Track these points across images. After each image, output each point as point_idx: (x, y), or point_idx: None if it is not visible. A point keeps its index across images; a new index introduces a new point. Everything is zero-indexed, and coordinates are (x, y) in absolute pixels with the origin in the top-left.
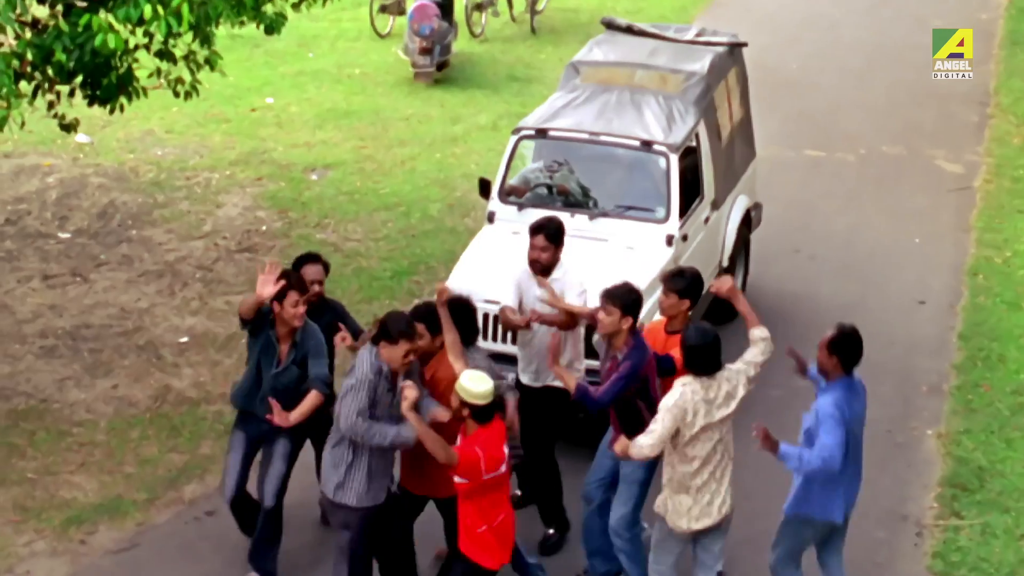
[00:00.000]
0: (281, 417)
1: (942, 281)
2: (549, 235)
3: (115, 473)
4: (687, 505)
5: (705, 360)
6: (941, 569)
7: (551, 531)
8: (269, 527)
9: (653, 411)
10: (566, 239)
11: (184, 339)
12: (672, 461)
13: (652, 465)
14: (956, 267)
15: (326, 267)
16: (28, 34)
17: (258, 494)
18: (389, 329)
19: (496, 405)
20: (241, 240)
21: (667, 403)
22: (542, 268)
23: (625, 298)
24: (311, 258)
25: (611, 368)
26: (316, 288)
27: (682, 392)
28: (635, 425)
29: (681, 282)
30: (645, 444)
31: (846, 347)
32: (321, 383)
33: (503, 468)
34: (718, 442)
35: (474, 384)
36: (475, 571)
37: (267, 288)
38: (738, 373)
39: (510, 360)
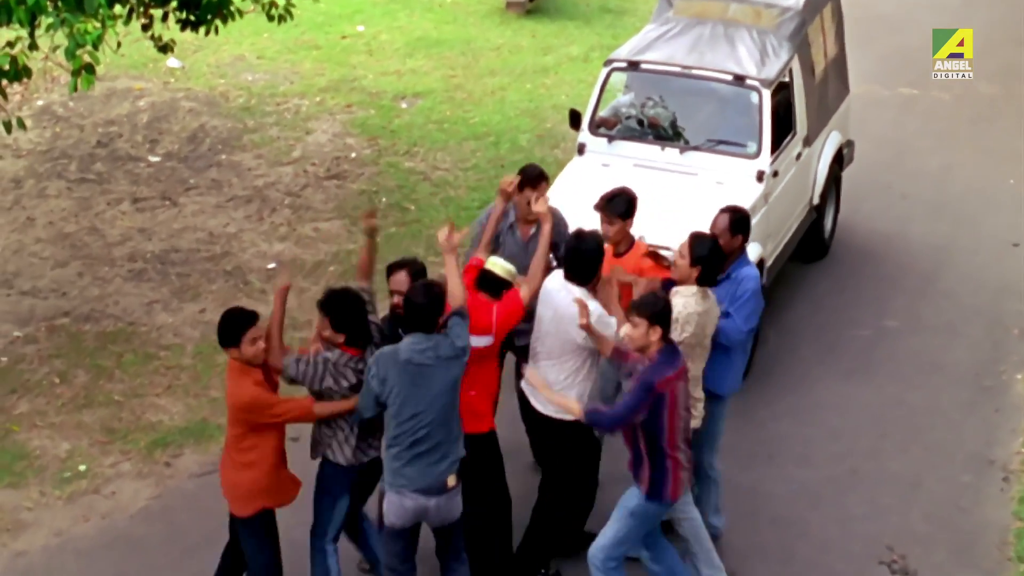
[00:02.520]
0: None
1: None
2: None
3: (200, 397)
4: None
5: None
6: None
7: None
8: None
9: (654, 448)
10: (657, 173)
11: (271, 265)
12: None
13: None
14: None
15: (416, 273)
16: None
17: None
18: None
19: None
20: (330, 167)
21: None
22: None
23: (651, 308)
24: (399, 265)
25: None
26: (396, 299)
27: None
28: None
29: (621, 205)
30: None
31: (746, 225)
32: None
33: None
34: None
35: (502, 260)
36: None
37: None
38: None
39: None
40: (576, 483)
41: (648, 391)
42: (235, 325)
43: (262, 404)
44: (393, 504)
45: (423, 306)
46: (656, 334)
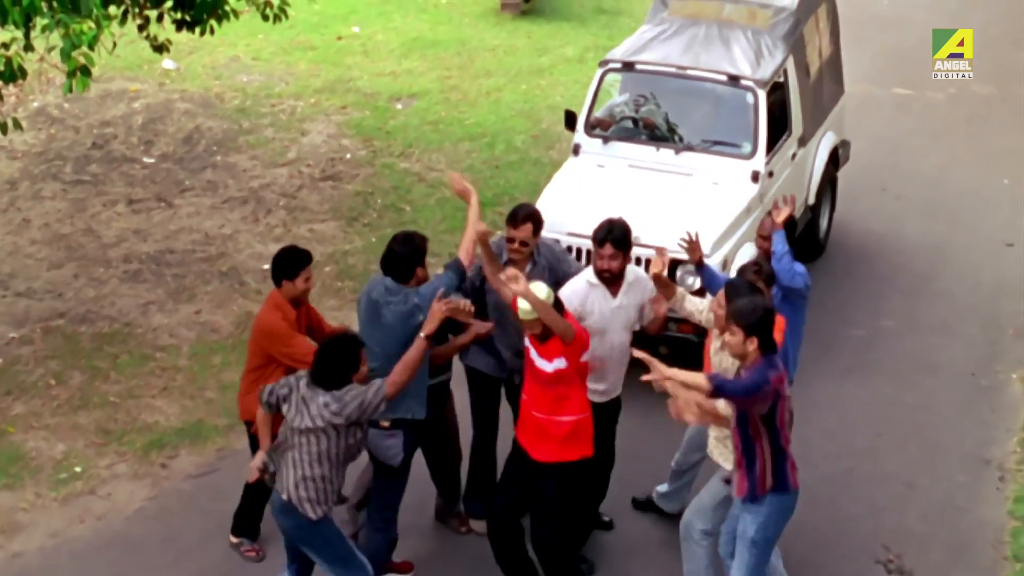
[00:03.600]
0: None
1: None
2: (616, 242)
3: (196, 398)
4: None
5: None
6: (1023, 514)
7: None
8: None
9: (775, 446)
10: (652, 173)
11: (267, 266)
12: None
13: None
14: None
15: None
16: None
17: None
18: None
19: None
20: (325, 168)
21: None
22: (612, 278)
23: (748, 318)
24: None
25: None
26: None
27: None
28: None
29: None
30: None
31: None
32: None
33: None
34: None
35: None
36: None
37: None
38: None
39: None
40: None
41: (767, 382)
42: (296, 260)
43: (281, 335)
44: None
45: (399, 255)
46: (753, 344)
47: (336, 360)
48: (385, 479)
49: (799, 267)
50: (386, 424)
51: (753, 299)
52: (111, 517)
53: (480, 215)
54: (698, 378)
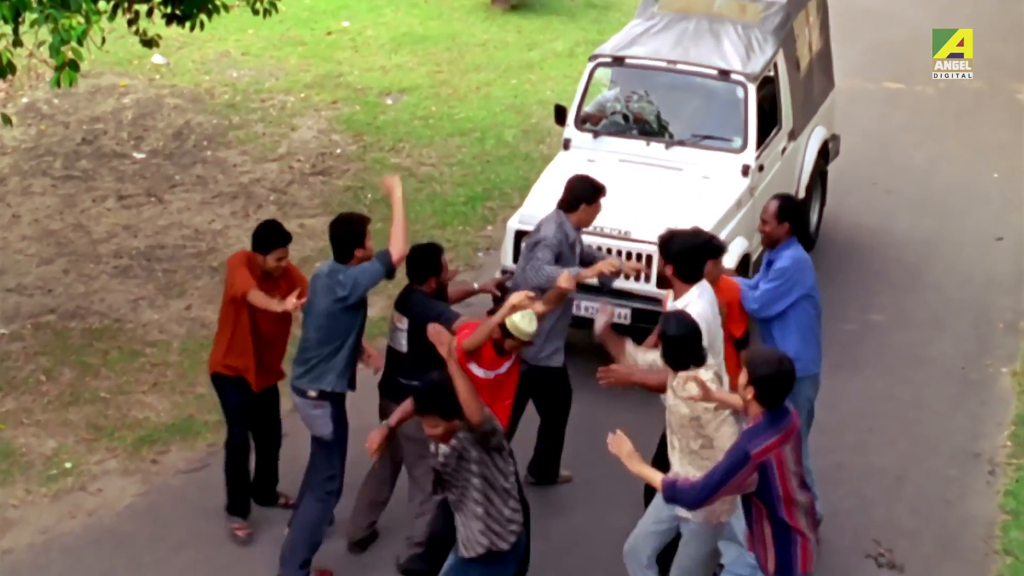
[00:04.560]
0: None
1: (1021, 217)
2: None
3: (187, 394)
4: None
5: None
6: (1013, 507)
7: None
8: None
9: (775, 521)
10: (642, 168)
11: None
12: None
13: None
14: None
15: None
16: None
17: None
18: None
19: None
20: (315, 163)
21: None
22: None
23: (754, 369)
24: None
25: None
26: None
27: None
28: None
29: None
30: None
31: (795, 213)
32: None
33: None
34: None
35: (524, 323)
36: None
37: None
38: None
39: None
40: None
41: (742, 461)
42: (272, 238)
43: (232, 268)
44: None
45: (335, 236)
46: (750, 394)
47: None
48: (322, 451)
49: (756, 291)
50: (313, 394)
51: (769, 354)
52: (102, 513)
53: (404, 209)
54: (654, 477)
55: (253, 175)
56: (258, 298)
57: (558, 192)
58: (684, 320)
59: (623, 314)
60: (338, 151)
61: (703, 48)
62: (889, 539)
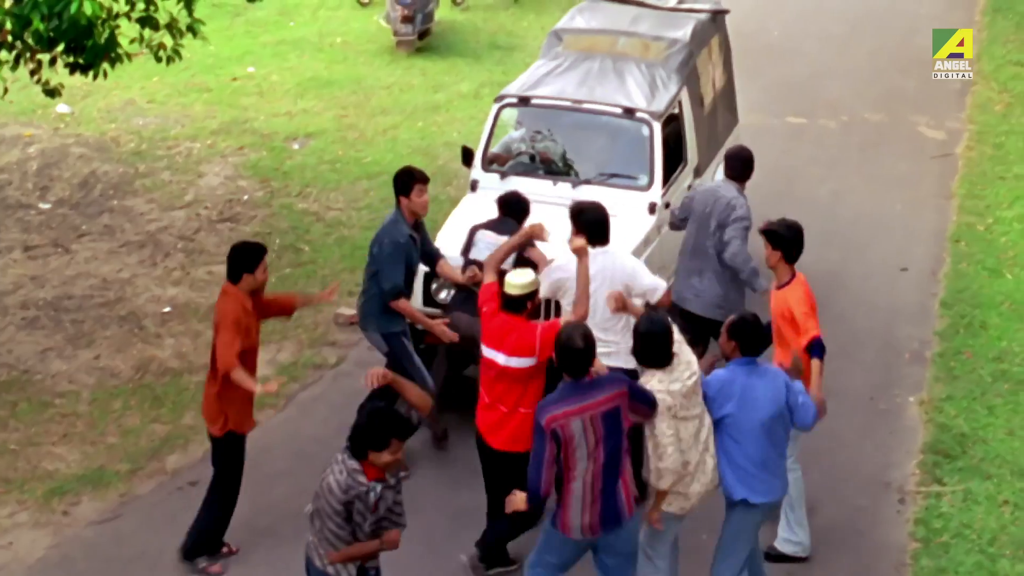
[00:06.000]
0: None
1: (924, 248)
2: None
3: (98, 444)
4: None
5: (656, 352)
6: (923, 535)
7: None
8: None
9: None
10: (550, 208)
11: (166, 309)
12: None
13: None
14: (938, 234)
15: None
16: (7, 3)
17: None
18: None
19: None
20: (223, 210)
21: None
22: None
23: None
24: None
25: None
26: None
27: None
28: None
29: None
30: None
31: (743, 332)
32: None
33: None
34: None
35: (515, 277)
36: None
37: None
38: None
39: None
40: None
41: (539, 433)
42: (254, 253)
43: (228, 324)
44: None
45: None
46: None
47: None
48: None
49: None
50: None
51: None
52: (13, 567)
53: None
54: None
55: (160, 223)
56: (240, 377)
57: (466, 233)
58: (656, 320)
59: None
60: (245, 197)
61: (608, 87)
62: (803, 570)
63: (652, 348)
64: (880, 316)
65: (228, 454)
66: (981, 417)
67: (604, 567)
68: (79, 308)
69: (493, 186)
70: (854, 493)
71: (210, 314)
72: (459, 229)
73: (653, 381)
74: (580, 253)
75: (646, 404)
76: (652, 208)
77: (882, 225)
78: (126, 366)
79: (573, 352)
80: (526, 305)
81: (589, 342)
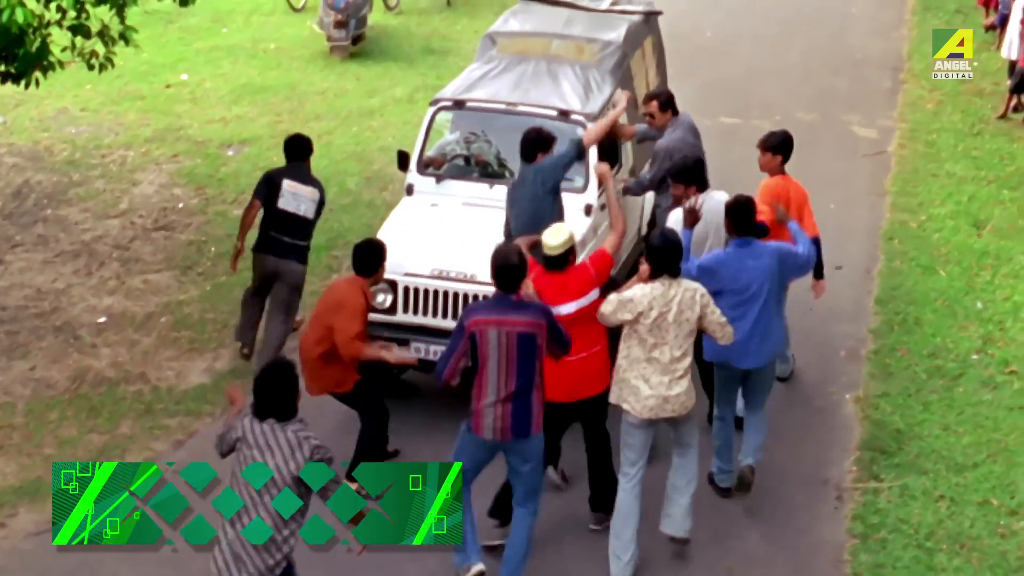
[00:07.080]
0: None
1: (858, 246)
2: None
3: (34, 455)
4: (645, 393)
5: (666, 262)
6: (861, 531)
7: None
8: None
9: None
10: (486, 211)
11: (102, 319)
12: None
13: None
14: (872, 232)
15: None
16: None
17: None
18: None
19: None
20: (158, 218)
21: (620, 295)
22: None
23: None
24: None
25: None
26: None
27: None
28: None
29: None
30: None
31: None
32: None
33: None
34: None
35: (550, 237)
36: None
37: None
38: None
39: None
40: None
41: (459, 329)
42: (381, 252)
43: (355, 310)
44: None
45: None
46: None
47: None
48: None
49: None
50: None
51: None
52: None
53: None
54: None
55: (95, 232)
56: (373, 351)
57: (403, 237)
58: (668, 236)
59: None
60: (180, 205)
61: (542, 89)
62: (743, 569)
63: (663, 259)
64: (815, 315)
65: (365, 396)
66: (916, 413)
67: (517, 474)
68: (13, 319)
69: (429, 190)
70: (792, 490)
71: (147, 322)
72: (395, 234)
73: (656, 284)
74: (604, 178)
75: (560, 345)
76: (588, 210)
77: (816, 224)
78: (62, 376)
79: (508, 268)
80: (568, 260)
81: (523, 260)
